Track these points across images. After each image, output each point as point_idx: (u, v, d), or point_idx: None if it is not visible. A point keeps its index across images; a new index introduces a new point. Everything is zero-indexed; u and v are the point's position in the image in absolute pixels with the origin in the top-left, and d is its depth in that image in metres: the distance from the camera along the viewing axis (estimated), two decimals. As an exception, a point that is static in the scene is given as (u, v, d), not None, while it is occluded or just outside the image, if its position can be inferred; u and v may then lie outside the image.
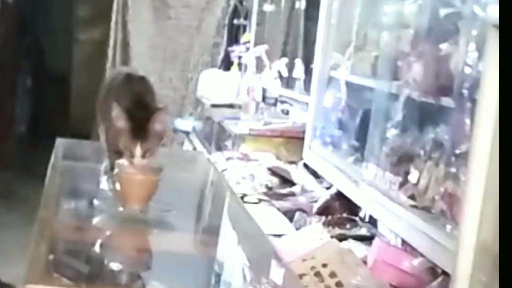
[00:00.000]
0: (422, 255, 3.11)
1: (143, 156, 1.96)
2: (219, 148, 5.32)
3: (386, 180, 3.37)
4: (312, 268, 3.07)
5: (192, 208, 2.28)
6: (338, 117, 4.19)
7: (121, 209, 1.93)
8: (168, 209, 1.99)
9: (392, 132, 3.51)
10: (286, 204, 4.07)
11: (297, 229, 3.78)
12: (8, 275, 4.79)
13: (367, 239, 3.76)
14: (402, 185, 3.28)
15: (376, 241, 3.28)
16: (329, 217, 4.01)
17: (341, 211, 4.11)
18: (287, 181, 4.34)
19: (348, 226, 3.99)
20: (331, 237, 3.69)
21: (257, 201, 3.96)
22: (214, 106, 5.78)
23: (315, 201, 4.19)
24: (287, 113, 5.78)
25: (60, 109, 9.92)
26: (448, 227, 2.67)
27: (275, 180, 4.23)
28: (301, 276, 2.93)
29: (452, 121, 2.75)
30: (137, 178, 1.92)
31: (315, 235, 3.69)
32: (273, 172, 4.32)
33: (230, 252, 1.98)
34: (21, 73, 9.67)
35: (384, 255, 3.15)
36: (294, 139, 4.89)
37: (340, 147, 4.17)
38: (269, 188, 4.15)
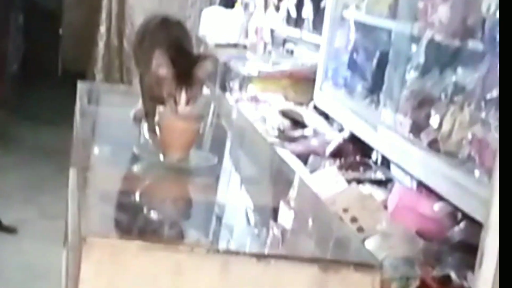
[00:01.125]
0: (442, 199, 3.09)
1: (187, 104, 1.90)
2: (224, 89, 5.23)
3: (406, 124, 3.32)
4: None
5: (229, 155, 2.22)
6: (352, 58, 4.12)
7: (162, 157, 1.87)
8: (210, 158, 1.93)
9: (411, 75, 3.46)
10: (298, 147, 4.02)
11: (311, 172, 3.74)
12: (7, 217, 4.75)
13: (383, 183, 3.73)
14: (423, 129, 3.23)
15: (396, 186, 3.25)
16: (343, 160, 3.98)
17: (354, 154, 4.07)
18: (298, 124, 4.28)
19: (361, 169, 3.95)
20: (347, 181, 3.66)
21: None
22: (218, 45, 5.67)
23: (328, 144, 4.15)
24: (291, 52, 5.69)
25: (51, 47, 9.75)
26: (477, 172, 2.63)
27: (286, 123, 4.17)
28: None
29: (481, 65, 2.69)
30: (180, 125, 1.86)
31: (331, 179, 3.65)
32: (285, 114, 4.26)
33: (271, 202, 1.93)
34: (13, 9, 9.48)
35: (405, 200, 3.12)
36: (302, 80, 4.82)
37: (354, 89, 4.11)
38: (281, 131, 4.09)
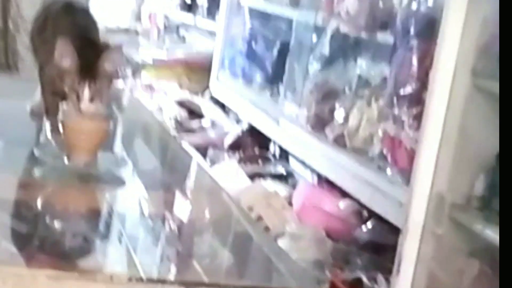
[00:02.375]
0: (347, 196, 3.00)
1: (91, 100, 1.71)
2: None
3: (310, 118, 3.21)
4: (238, 212, 2.90)
5: (140, 157, 2.04)
6: (251, 47, 3.97)
7: (66, 161, 1.68)
8: (118, 161, 1.75)
9: (314, 67, 3.35)
10: (196, 139, 3.86)
11: (211, 165, 3.59)
12: None
13: (283, 178, 3.63)
14: (327, 123, 3.13)
15: (301, 183, 3.14)
16: (242, 153, 3.85)
17: (252, 146, 3.95)
18: (195, 115, 4.12)
19: (260, 162, 3.84)
20: (247, 174, 3.53)
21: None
22: (108, 30, 5.42)
23: (226, 136, 4.00)
24: (184, 39, 5.51)
25: None
26: (389, 171, 2.54)
27: (184, 114, 4.00)
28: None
29: (393, 59, 2.59)
30: (87, 125, 1.67)
31: (231, 172, 3.51)
32: (182, 105, 4.09)
33: (188, 211, 1.77)
34: None
35: (311, 198, 3.02)
36: (198, 69, 4.65)
37: (252, 80, 3.97)
38: (179, 122, 3.92)
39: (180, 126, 3.93)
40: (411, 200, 2.18)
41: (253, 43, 3.95)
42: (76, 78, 1.71)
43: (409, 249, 2.20)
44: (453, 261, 2.18)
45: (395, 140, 2.52)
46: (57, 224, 1.56)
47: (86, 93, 1.71)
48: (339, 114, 3.10)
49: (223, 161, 3.66)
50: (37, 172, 1.71)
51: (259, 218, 2.92)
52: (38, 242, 1.46)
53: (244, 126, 3.97)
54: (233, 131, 3.96)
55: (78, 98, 1.71)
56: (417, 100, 2.42)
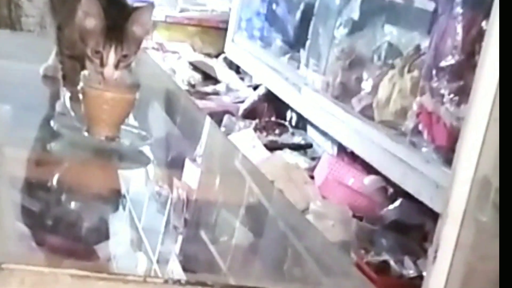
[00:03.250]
0: (372, 171, 2.82)
1: (116, 66, 1.52)
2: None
3: (335, 87, 3.02)
4: (257, 185, 2.72)
5: (166, 132, 1.84)
6: (271, 9, 3.77)
7: (86, 134, 1.48)
8: (144, 136, 1.55)
9: (341, 32, 3.15)
10: (211, 104, 3.67)
11: (226, 134, 3.39)
12: None
13: (302, 148, 3.45)
14: (354, 94, 2.94)
15: (324, 156, 2.95)
16: (257, 121, 3.66)
17: (269, 113, 3.76)
18: (209, 78, 3.92)
19: (277, 131, 3.65)
20: (264, 145, 3.34)
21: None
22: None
23: (241, 102, 3.81)
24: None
25: None
26: (424, 150, 2.35)
27: (197, 77, 3.80)
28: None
29: (433, 27, 2.39)
30: (108, 95, 1.47)
31: (248, 143, 3.32)
32: (196, 67, 3.89)
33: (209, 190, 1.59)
34: None
35: (335, 173, 2.83)
36: (212, 29, 4.44)
37: (271, 44, 3.77)
38: (192, 86, 3.73)
39: (194, 89, 3.73)
40: (453, 183, 1.98)
41: (273, 4, 3.73)
42: (101, 40, 1.51)
43: (448, 236, 2.00)
44: (495, 250, 2.00)
45: (432, 116, 2.33)
46: (74, 205, 1.38)
47: (111, 57, 1.50)
48: (367, 84, 2.91)
49: (239, 130, 3.47)
50: (53, 145, 1.51)
51: (279, 192, 2.73)
52: (52, 224, 1.28)
53: (261, 92, 3.77)
54: (249, 97, 3.76)
55: (102, 63, 1.51)
56: (460, 73, 2.23)
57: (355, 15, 2.95)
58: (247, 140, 3.36)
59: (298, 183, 2.77)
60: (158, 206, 1.43)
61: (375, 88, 2.84)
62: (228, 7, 4.43)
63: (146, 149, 1.55)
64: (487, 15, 2.16)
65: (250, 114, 3.73)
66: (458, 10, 2.25)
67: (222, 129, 3.47)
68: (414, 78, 2.60)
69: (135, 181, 1.56)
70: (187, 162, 1.64)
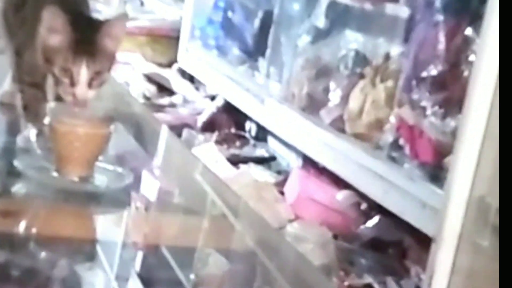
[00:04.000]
0: (347, 186, 2.70)
1: (89, 84, 1.36)
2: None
3: (302, 98, 2.89)
4: (226, 206, 2.57)
5: (142, 165, 1.67)
6: (226, 16, 3.61)
7: (55, 174, 1.31)
8: (121, 173, 1.38)
9: (304, 40, 3.01)
10: (168, 117, 3.50)
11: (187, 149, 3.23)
12: None
13: (266, 161, 3.30)
14: (322, 105, 2.81)
15: (295, 172, 2.81)
16: (217, 133, 3.51)
17: (228, 125, 3.61)
18: (164, 89, 3.75)
19: (238, 143, 3.51)
20: (227, 159, 3.20)
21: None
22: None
23: (198, 114, 3.66)
24: (142, 4, 5.13)
25: None
26: (406, 165, 2.23)
27: (152, 89, 3.63)
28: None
29: (412, 36, 2.27)
30: (80, 131, 1.30)
31: (210, 157, 3.17)
32: (150, 79, 3.71)
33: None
34: None
35: (307, 189, 2.70)
36: (163, 38, 4.27)
37: (228, 53, 3.61)
38: (147, 98, 3.55)
39: (149, 102, 3.56)
40: (446, 204, 1.87)
41: (229, 11, 3.58)
42: (69, 56, 1.34)
43: (443, 261, 1.90)
44: (494, 274, 1.89)
45: (414, 129, 2.21)
46: (43, 255, 1.21)
47: (83, 74, 1.34)
48: (335, 95, 2.78)
49: (199, 144, 3.31)
50: (17, 188, 1.34)
51: (250, 213, 2.59)
52: (19, 275, 1.12)
53: (219, 103, 3.62)
54: (207, 109, 3.61)
55: (73, 81, 1.34)
56: (444, 83, 2.12)
57: (320, 23, 2.81)
58: (209, 154, 3.20)
59: (269, 202, 2.63)
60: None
61: (344, 99, 2.72)
62: (179, 15, 4.27)
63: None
64: (471, 22, 2.05)
65: (208, 126, 3.58)
66: (439, 17, 2.14)
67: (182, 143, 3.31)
68: (389, 88, 2.48)
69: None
70: (145, 173, 1.54)
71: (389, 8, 2.47)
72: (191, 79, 4.06)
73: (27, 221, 1.26)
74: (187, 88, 3.75)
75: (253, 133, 3.63)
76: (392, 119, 2.33)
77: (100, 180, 1.35)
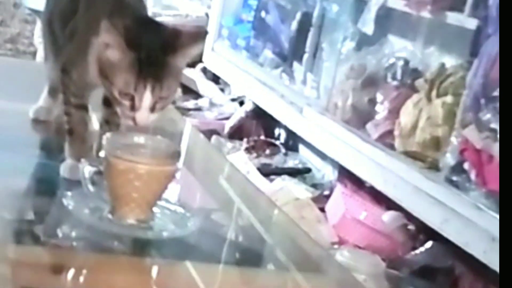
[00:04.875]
0: (391, 205, 2.50)
1: (152, 109, 1.16)
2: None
3: (346, 110, 2.68)
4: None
5: (211, 204, 1.46)
6: (259, 16, 3.41)
7: (109, 216, 1.10)
8: (183, 214, 1.18)
9: (348, 47, 2.81)
10: (194, 122, 3.30)
11: (215, 158, 3.03)
12: None
13: (300, 173, 3.10)
14: (368, 118, 2.61)
15: (338, 190, 2.60)
16: (246, 140, 3.31)
17: (258, 131, 3.42)
18: (189, 91, 3.54)
19: (268, 151, 3.31)
20: (258, 169, 3.00)
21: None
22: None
23: (225, 118, 3.46)
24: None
25: None
26: (472, 193, 2.02)
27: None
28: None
29: (482, 49, 2.07)
30: (142, 168, 1.09)
31: (240, 167, 2.96)
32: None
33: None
34: None
35: (351, 209, 2.50)
36: (186, 35, 4.05)
37: (259, 55, 3.41)
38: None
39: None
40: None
41: (262, 11, 3.37)
42: (131, 80, 1.13)
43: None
44: None
45: (482, 154, 2.01)
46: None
47: (146, 100, 1.14)
48: (382, 107, 2.58)
49: (228, 152, 3.11)
50: (66, 232, 1.13)
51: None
52: None
53: (248, 107, 3.42)
54: (235, 114, 3.41)
55: (134, 106, 1.14)
56: (520, 105, 1.91)
57: (369, 29, 2.61)
58: (239, 164, 3.00)
59: (310, 222, 2.43)
60: None
61: (393, 112, 2.52)
62: (203, 11, 4.07)
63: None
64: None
65: (237, 132, 3.38)
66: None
67: (210, 152, 3.10)
68: (448, 104, 2.28)
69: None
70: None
71: (452, 18, 2.26)
72: (215, 79, 3.86)
73: (79, 276, 1.05)
74: (213, 90, 3.55)
75: (283, 139, 3.43)
76: (454, 140, 2.13)
77: (161, 225, 1.14)
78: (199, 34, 1.20)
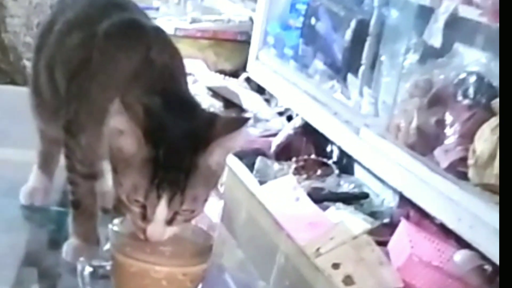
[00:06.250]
0: (461, 243, 2.18)
1: (169, 222, 0.88)
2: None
3: (410, 132, 2.36)
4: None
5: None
6: (309, 24, 3.09)
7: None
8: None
9: (412, 60, 2.49)
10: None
11: (261, 182, 2.73)
12: None
13: (357, 199, 2.78)
14: (436, 142, 2.29)
15: (403, 225, 2.28)
16: (295, 160, 3.00)
17: (308, 150, 3.10)
18: (231, 105, 3.25)
19: (319, 172, 2.99)
20: (308, 195, 2.68)
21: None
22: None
23: (272, 135, 3.15)
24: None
25: None
26: None
27: (218, 105, 3.12)
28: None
29: None
30: (161, 271, 0.80)
31: (289, 192, 2.66)
32: (216, 93, 3.21)
33: None
34: None
35: (419, 249, 2.18)
36: (228, 42, 3.77)
37: (308, 66, 3.10)
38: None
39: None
40: None
41: (312, 18, 3.06)
42: (143, 185, 0.85)
43: None
44: None
45: None
46: None
47: (161, 212, 0.85)
48: (453, 131, 2.25)
49: (275, 175, 2.81)
50: None
51: (349, 281, 2.09)
52: None
53: (297, 123, 3.11)
54: (283, 130, 3.10)
55: (145, 216, 0.85)
56: None
57: (436, 42, 2.28)
58: (287, 189, 2.69)
59: (371, 265, 2.12)
60: None
61: (465, 137, 2.20)
62: (247, 16, 3.77)
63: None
64: None
65: (285, 150, 3.08)
66: None
67: (256, 175, 2.80)
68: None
69: None
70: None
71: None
72: (260, 89, 3.56)
73: None
74: (258, 103, 3.24)
75: (336, 157, 3.12)
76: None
77: None
78: (240, 121, 0.90)
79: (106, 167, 1.07)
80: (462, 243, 2.19)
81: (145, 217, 0.86)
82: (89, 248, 1.06)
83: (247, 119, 1.00)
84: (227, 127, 0.89)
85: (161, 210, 0.85)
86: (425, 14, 2.38)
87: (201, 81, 3.32)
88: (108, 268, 0.89)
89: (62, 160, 1.10)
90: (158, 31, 1.08)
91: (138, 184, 0.85)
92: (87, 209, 1.04)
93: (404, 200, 2.52)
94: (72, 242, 1.03)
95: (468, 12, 2.21)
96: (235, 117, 1.01)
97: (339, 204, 2.63)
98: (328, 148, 3.15)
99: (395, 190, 2.65)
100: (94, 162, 1.01)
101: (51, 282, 1.07)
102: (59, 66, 1.11)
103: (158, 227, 0.85)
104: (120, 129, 0.86)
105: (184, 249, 0.88)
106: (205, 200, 0.89)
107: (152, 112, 0.87)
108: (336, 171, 2.96)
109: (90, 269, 0.87)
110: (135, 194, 0.85)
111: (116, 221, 0.89)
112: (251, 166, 2.83)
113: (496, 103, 2.15)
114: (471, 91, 2.29)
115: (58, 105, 1.11)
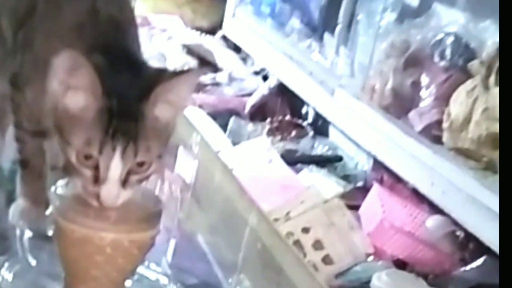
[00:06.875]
0: (433, 208, 2.14)
1: (124, 182, 0.82)
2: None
3: (385, 94, 2.30)
4: (288, 235, 2.02)
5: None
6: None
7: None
8: None
9: (389, 19, 2.42)
10: (211, 100, 2.94)
11: (234, 143, 2.67)
12: None
13: (330, 162, 2.73)
14: (411, 105, 2.23)
15: (375, 189, 2.23)
16: (269, 121, 2.94)
17: (283, 111, 3.04)
18: (206, 63, 3.17)
19: (293, 133, 2.93)
20: (282, 156, 2.62)
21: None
22: None
23: (247, 95, 3.08)
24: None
25: None
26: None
27: (193, 63, 3.04)
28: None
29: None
30: (106, 237, 0.74)
31: (262, 154, 2.61)
32: (191, 51, 3.13)
33: None
34: None
35: (391, 214, 2.13)
36: (205, -1, 3.68)
37: (285, 24, 3.02)
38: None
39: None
40: None
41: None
42: (96, 137, 0.79)
43: None
44: None
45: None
46: None
47: (115, 168, 0.79)
48: (428, 93, 2.20)
49: (248, 136, 2.75)
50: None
51: (318, 245, 2.04)
52: None
53: (272, 83, 3.05)
54: (258, 90, 3.03)
55: (97, 177, 0.79)
56: None
57: (414, 1, 2.22)
58: (261, 151, 2.64)
59: (341, 230, 2.07)
60: None
61: (441, 99, 2.15)
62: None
63: None
64: None
65: (259, 111, 3.01)
66: None
67: (229, 135, 2.74)
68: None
69: None
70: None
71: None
72: (236, 48, 3.48)
73: None
74: (233, 62, 3.17)
75: (311, 119, 3.05)
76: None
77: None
78: (191, 76, 0.85)
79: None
80: (435, 208, 2.15)
81: (97, 180, 0.80)
82: (36, 211, 1.01)
83: (195, 70, 0.95)
84: (171, 77, 0.84)
85: (116, 166, 0.79)
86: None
87: (176, 38, 3.24)
88: (51, 233, 0.83)
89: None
90: None
91: (91, 137, 0.79)
92: (35, 168, 0.99)
93: (378, 164, 2.47)
94: (19, 204, 0.98)
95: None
96: (183, 70, 0.95)
97: (312, 167, 2.58)
98: (304, 109, 3.09)
99: (369, 153, 2.60)
100: (42, 118, 0.95)
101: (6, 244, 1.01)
102: (5, 15, 1.05)
103: (112, 189, 0.79)
104: (68, 83, 0.80)
105: (131, 214, 0.82)
106: (159, 156, 0.84)
107: (97, 66, 0.82)
108: (311, 133, 2.90)
109: (30, 233, 0.82)
110: (88, 148, 0.79)
111: (60, 182, 0.83)
112: (224, 127, 2.77)
113: (473, 65, 2.10)
114: (448, 53, 2.23)
115: (5, 57, 1.05)
